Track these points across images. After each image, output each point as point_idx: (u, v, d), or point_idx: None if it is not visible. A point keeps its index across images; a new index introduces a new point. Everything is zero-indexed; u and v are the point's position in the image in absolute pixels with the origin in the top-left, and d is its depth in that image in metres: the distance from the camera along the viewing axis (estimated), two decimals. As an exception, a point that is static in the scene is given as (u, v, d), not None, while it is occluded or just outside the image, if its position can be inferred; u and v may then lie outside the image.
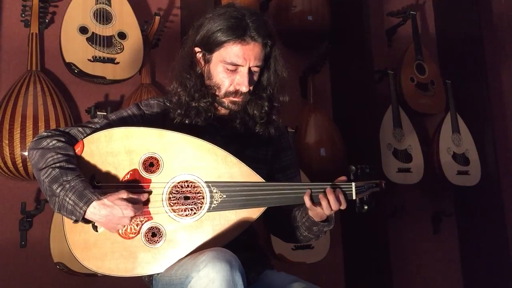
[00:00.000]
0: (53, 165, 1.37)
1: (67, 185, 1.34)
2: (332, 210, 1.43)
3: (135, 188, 1.43)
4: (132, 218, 1.38)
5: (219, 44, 1.51)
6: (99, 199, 1.34)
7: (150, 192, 1.43)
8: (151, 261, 1.41)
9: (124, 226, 1.39)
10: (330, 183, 1.48)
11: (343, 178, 1.49)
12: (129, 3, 2.66)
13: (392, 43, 3.68)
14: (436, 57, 3.87)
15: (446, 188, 3.56)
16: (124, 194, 1.36)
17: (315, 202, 1.44)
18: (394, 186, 3.17)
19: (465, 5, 3.66)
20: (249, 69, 1.52)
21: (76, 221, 1.36)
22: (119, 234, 1.41)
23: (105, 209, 1.34)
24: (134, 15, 2.66)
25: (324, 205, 1.42)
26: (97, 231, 1.41)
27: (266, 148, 1.66)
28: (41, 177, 1.39)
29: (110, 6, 2.61)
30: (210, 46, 1.53)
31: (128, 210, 1.35)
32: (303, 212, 1.55)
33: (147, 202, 1.42)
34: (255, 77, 1.57)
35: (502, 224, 3.38)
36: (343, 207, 1.44)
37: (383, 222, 3.02)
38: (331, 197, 1.41)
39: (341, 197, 1.43)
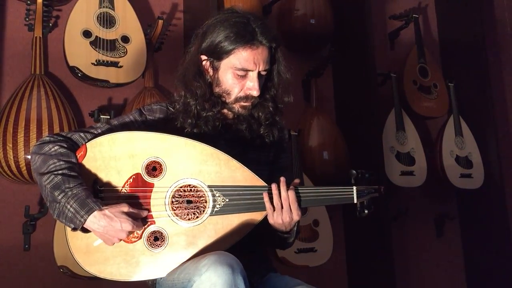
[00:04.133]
0: (55, 172, 1.38)
1: (69, 192, 1.35)
2: (275, 217, 1.44)
3: (137, 193, 1.43)
4: (129, 233, 1.38)
5: (228, 51, 1.51)
6: (100, 209, 1.34)
7: (154, 197, 1.43)
8: (153, 266, 1.41)
9: (120, 240, 1.39)
10: (332, 188, 1.48)
11: (297, 181, 1.49)
12: (133, 7, 2.68)
13: (394, 46, 3.68)
14: (439, 60, 3.87)
15: (449, 191, 3.55)
16: (125, 208, 1.37)
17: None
18: (397, 189, 3.17)
19: (467, 8, 3.66)
20: (259, 73, 1.53)
21: (74, 229, 1.37)
22: (121, 238, 1.42)
23: (105, 220, 1.34)
24: (138, 19, 2.67)
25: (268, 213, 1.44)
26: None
27: (268, 149, 1.67)
28: (43, 182, 1.40)
29: (114, 10, 2.62)
30: (219, 53, 1.53)
31: (127, 224, 1.35)
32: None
33: (149, 206, 1.43)
34: (263, 80, 1.58)
35: (505, 227, 3.37)
36: (292, 215, 1.44)
37: (386, 225, 3.01)
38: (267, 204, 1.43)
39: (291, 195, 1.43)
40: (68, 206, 1.34)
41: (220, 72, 1.55)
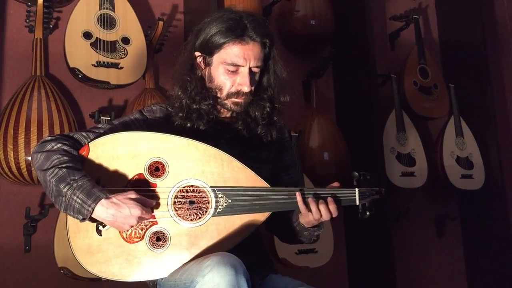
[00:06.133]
0: (60, 165, 1.38)
1: (75, 184, 1.35)
2: (320, 219, 1.45)
3: (140, 193, 1.42)
4: (139, 218, 1.37)
5: (218, 46, 1.52)
6: (107, 198, 1.34)
7: (157, 198, 1.43)
8: (155, 266, 1.40)
9: (132, 225, 1.38)
10: (334, 189, 1.48)
11: (336, 183, 1.51)
12: (133, 8, 2.68)
13: (395, 47, 3.69)
14: (439, 60, 3.87)
15: (450, 191, 3.55)
16: (132, 194, 1.37)
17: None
18: (397, 190, 3.17)
19: (467, 9, 3.67)
20: (250, 69, 1.53)
21: (83, 220, 1.36)
22: (123, 238, 1.41)
23: (113, 207, 1.34)
24: (138, 20, 2.67)
25: (313, 211, 1.44)
26: (101, 235, 1.41)
27: (268, 148, 1.67)
28: (47, 177, 1.39)
29: (114, 11, 2.62)
30: (210, 48, 1.54)
31: (135, 210, 1.34)
32: (294, 217, 1.56)
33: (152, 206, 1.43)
34: (256, 78, 1.58)
35: (506, 227, 3.37)
36: (334, 215, 1.45)
37: (387, 226, 3.01)
38: (322, 206, 1.43)
39: (332, 207, 1.44)
40: (75, 198, 1.34)
41: (212, 67, 1.56)
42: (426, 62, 3.53)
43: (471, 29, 3.62)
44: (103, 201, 1.33)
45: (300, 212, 1.48)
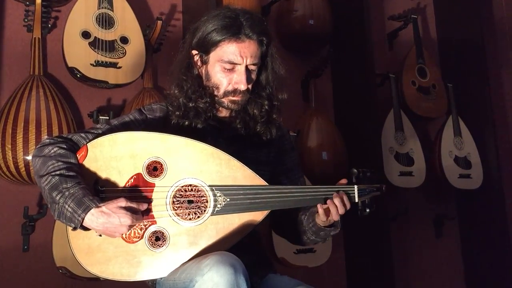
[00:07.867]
0: (53, 173, 1.38)
1: (67, 192, 1.35)
2: (339, 215, 1.45)
3: (138, 193, 1.43)
4: (130, 226, 1.38)
5: (214, 44, 1.53)
6: (97, 207, 1.34)
7: (150, 201, 1.43)
8: (154, 265, 1.40)
9: (122, 234, 1.39)
10: (333, 186, 1.48)
11: (344, 181, 1.51)
12: (132, 7, 2.68)
13: (393, 47, 3.69)
14: (437, 60, 3.87)
15: (448, 191, 3.56)
16: (122, 202, 1.36)
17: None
18: (396, 189, 3.17)
19: (466, 8, 3.67)
20: (246, 67, 1.53)
21: (74, 228, 1.37)
22: (122, 238, 1.41)
23: (102, 217, 1.34)
24: (136, 20, 2.67)
25: (333, 212, 1.44)
26: (100, 235, 1.41)
27: (268, 149, 1.67)
28: (42, 184, 1.40)
29: (113, 11, 2.62)
30: (206, 46, 1.54)
31: (125, 219, 1.35)
32: (310, 218, 1.56)
33: (150, 206, 1.43)
34: (253, 76, 1.58)
35: (504, 227, 3.38)
36: (347, 208, 1.46)
37: (385, 226, 3.02)
38: (337, 203, 1.43)
39: (345, 199, 1.45)
40: (66, 206, 1.34)
41: (209, 65, 1.57)
42: (424, 62, 3.53)
43: (469, 29, 3.63)
44: (92, 210, 1.33)
45: (317, 213, 1.49)
